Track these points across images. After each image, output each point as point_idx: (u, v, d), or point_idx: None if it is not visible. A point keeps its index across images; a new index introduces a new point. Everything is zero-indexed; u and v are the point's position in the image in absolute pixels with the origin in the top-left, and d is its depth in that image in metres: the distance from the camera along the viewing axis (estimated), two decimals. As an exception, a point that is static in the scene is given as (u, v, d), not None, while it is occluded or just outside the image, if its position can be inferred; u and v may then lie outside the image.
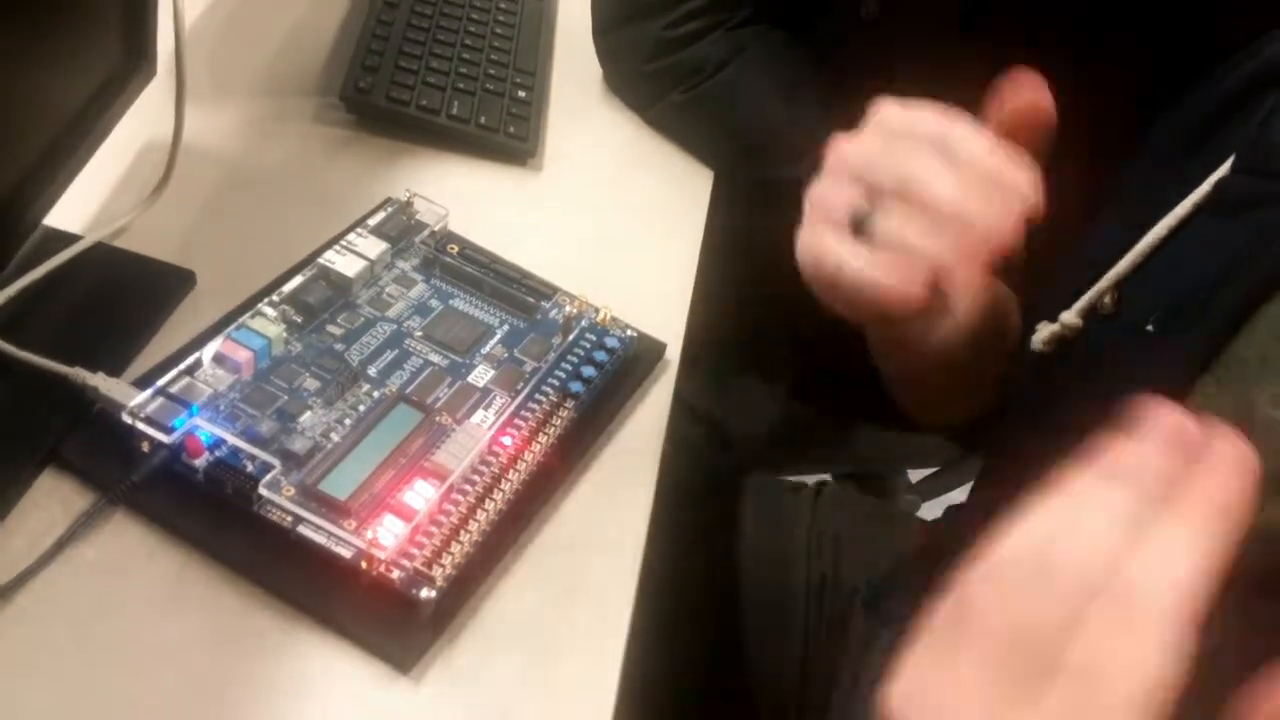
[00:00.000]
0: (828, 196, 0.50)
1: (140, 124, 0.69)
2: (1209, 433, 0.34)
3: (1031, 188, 0.48)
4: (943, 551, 0.77)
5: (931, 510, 1.31)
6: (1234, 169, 0.54)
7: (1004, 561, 0.33)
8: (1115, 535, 0.32)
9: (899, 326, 0.59)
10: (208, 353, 0.60)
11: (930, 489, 1.38)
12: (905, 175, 0.48)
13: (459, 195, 0.77)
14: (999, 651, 0.31)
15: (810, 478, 0.97)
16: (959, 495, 1.30)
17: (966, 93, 0.84)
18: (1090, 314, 0.58)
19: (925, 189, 0.48)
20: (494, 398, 0.63)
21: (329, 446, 0.58)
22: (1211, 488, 0.32)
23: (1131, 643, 0.30)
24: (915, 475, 1.39)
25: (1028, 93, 0.50)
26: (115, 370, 0.59)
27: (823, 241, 0.50)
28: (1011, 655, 0.31)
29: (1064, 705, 0.30)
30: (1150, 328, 0.54)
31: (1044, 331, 0.60)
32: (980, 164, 0.48)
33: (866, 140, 0.51)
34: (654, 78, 0.89)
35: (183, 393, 0.58)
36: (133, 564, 0.53)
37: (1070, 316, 0.59)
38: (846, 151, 0.51)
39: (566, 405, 0.64)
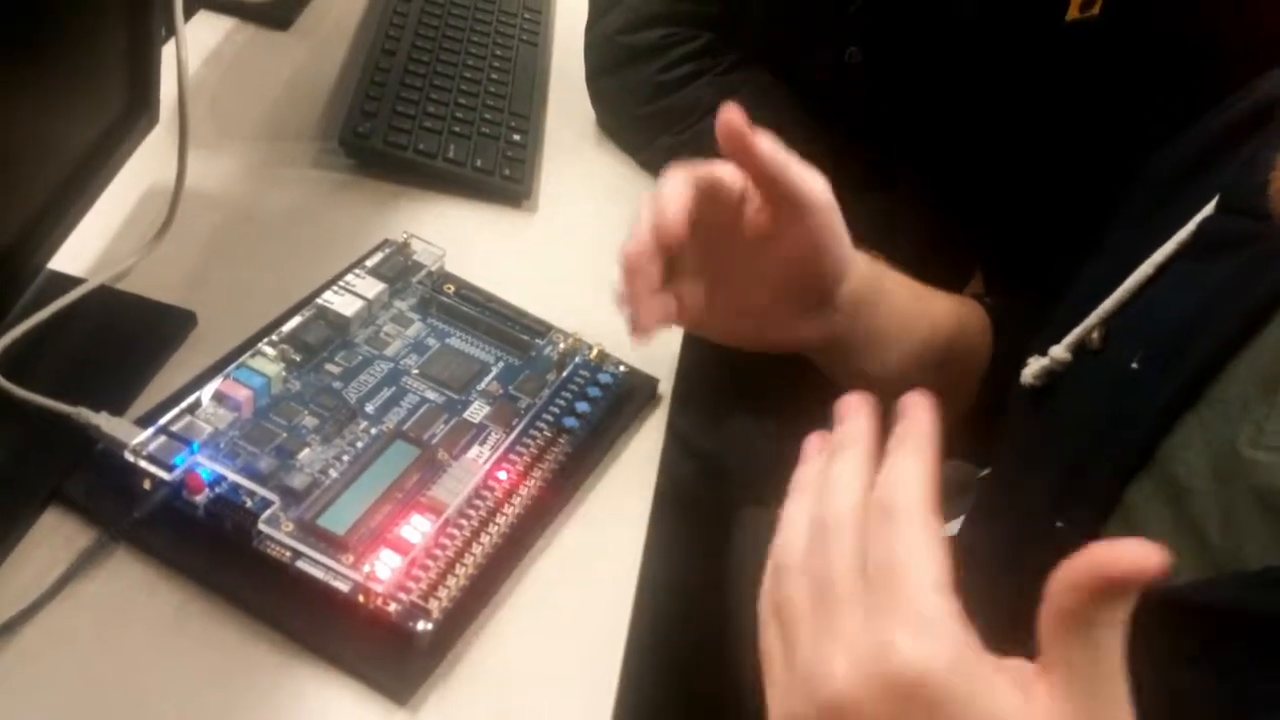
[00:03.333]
0: None
1: (143, 169, 0.71)
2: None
3: None
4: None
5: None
6: (1218, 209, 0.55)
7: (789, 540, 0.42)
8: (855, 481, 0.42)
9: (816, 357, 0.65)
10: (208, 392, 0.61)
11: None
12: None
13: (455, 236, 0.78)
14: (816, 591, 0.40)
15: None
16: (951, 526, 1.30)
17: (946, 133, 0.86)
18: (1079, 349, 0.59)
19: None
20: (489, 433, 0.64)
21: (327, 482, 0.59)
22: (903, 430, 0.42)
23: (902, 535, 0.39)
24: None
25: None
26: (118, 409, 0.60)
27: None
28: (825, 590, 0.39)
29: (879, 599, 0.38)
30: (1135, 365, 0.54)
31: (1034, 366, 0.61)
32: None
33: None
34: (647, 121, 0.91)
35: (184, 431, 0.59)
36: (134, 599, 0.54)
37: (1059, 351, 0.60)
38: None
39: (561, 440, 0.65)
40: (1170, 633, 0.47)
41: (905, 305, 0.66)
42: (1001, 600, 0.61)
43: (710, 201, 0.58)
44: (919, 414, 0.43)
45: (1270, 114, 0.57)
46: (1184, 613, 0.47)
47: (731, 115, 0.55)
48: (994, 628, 0.62)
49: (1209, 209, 0.56)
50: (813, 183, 0.57)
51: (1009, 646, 0.58)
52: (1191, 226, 0.56)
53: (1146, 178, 0.65)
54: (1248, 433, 0.48)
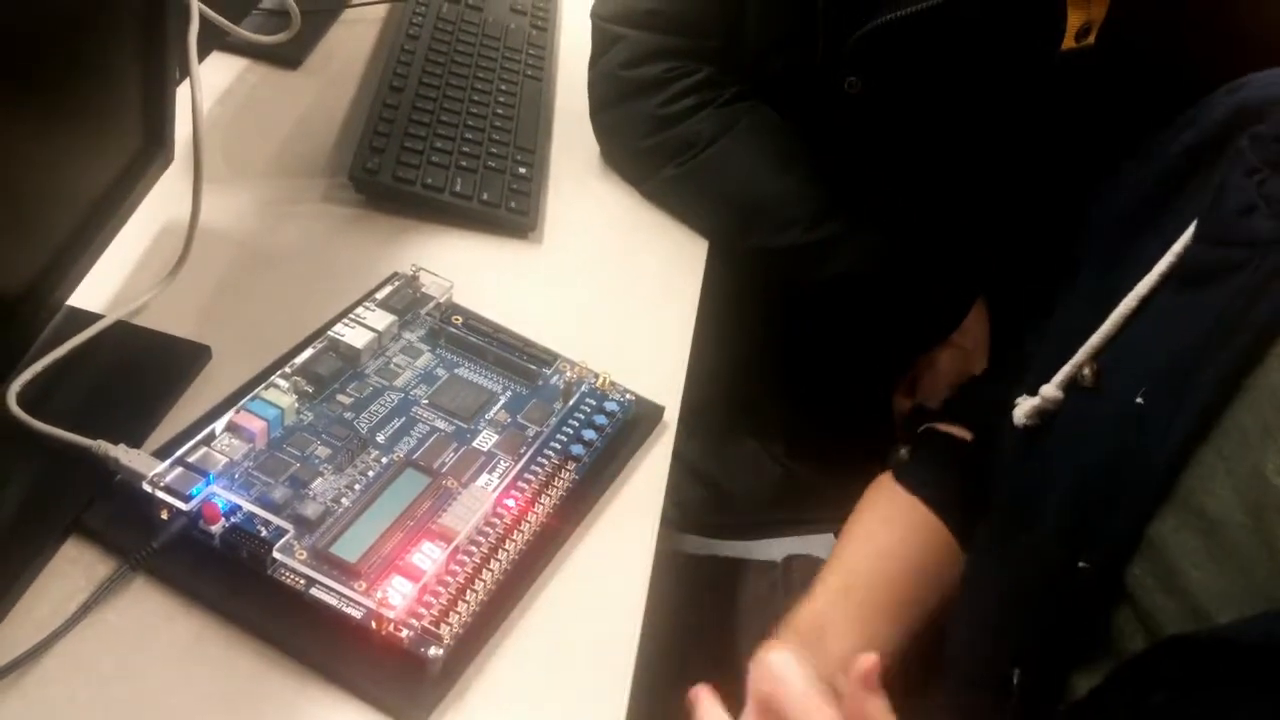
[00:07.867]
0: None
1: (158, 207, 0.73)
2: None
3: None
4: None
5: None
6: (1196, 239, 0.55)
7: None
8: None
9: None
10: (223, 423, 0.63)
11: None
12: None
13: (463, 268, 0.80)
14: None
15: (811, 537, 0.98)
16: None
17: (945, 162, 0.88)
18: (1070, 387, 0.59)
19: None
20: (498, 462, 0.66)
21: (340, 511, 0.60)
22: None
23: None
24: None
25: None
26: (135, 442, 0.61)
27: None
28: None
29: None
30: (1140, 400, 0.54)
31: (1025, 405, 0.61)
32: None
33: None
34: (649, 153, 0.93)
35: (200, 462, 0.60)
36: (153, 628, 0.55)
37: (1050, 390, 0.59)
38: None
39: (568, 468, 0.66)
40: (1220, 674, 0.46)
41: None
42: (1012, 637, 0.61)
43: None
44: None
45: (1227, 139, 0.57)
46: (1233, 652, 0.46)
47: None
48: (997, 663, 0.62)
49: (1186, 238, 0.55)
50: None
51: (1010, 678, 0.58)
52: (1170, 258, 0.56)
53: (1105, 213, 0.65)
54: (1275, 460, 0.48)
